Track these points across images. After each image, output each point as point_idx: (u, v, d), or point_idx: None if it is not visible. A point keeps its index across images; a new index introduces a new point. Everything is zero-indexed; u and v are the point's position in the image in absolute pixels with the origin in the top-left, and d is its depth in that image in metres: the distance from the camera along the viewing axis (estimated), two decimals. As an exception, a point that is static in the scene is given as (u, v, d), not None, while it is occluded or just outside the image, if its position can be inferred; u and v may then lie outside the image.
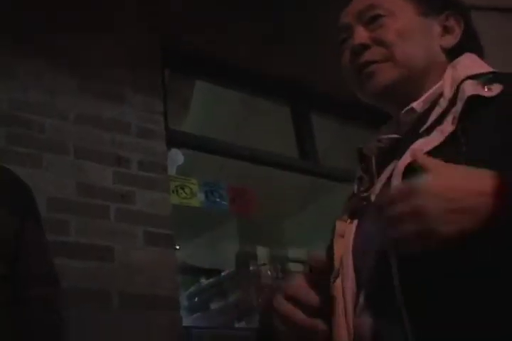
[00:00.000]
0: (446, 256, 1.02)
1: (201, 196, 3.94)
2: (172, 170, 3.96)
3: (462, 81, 1.23)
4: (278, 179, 5.10)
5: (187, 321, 3.89)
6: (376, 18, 1.39)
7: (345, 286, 1.23)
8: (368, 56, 1.37)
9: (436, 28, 1.40)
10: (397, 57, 1.35)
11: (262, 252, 4.80)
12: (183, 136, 4.19)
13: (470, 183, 0.96)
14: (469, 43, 1.41)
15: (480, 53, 1.41)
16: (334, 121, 5.37)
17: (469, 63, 1.32)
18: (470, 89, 1.20)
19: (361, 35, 1.39)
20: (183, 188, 3.84)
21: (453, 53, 1.37)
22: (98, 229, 3.19)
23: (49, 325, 2.10)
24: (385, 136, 1.37)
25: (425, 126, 1.23)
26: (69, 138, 3.35)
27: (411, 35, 1.37)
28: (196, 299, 4.62)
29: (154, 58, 4.00)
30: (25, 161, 3.13)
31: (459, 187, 0.95)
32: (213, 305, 4.50)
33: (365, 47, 1.37)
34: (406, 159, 1.16)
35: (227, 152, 4.33)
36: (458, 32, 1.40)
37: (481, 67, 1.31)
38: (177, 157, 4.17)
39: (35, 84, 3.39)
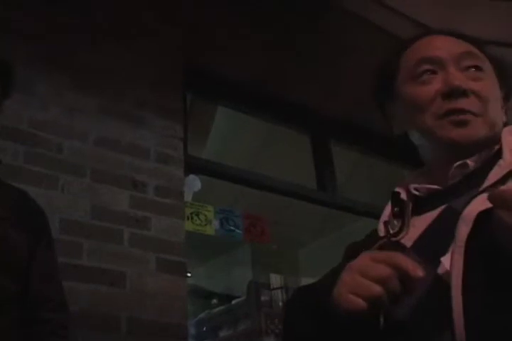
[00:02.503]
0: None
1: (216, 223, 3.91)
2: (188, 196, 3.94)
3: None
4: (294, 208, 5.07)
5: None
6: (475, 68, 1.37)
7: None
8: (467, 104, 1.33)
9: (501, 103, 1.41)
10: (490, 116, 1.33)
11: (275, 279, 4.78)
12: (201, 162, 4.17)
13: None
14: None
15: None
16: (354, 152, 5.36)
17: None
18: None
19: (464, 80, 1.35)
20: (197, 215, 3.82)
21: None
22: (110, 254, 3.16)
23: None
24: (425, 186, 1.35)
25: (486, 184, 1.21)
26: (86, 160, 3.33)
27: (497, 100, 1.37)
28: (205, 327, 4.59)
29: (177, 81, 3.99)
30: (41, 181, 3.11)
31: None
32: (222, 333, 4.47)
33: (465, 93, 1.33)
34: (478, 206, 1.13)
35: (245, 180, 4.31)
36: (506, 111, 1.41)
37: None
38: (194, 183, 4.15)
39: (55, 103, 3.38)
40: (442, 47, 1.40)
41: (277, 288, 4.55)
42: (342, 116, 4.72)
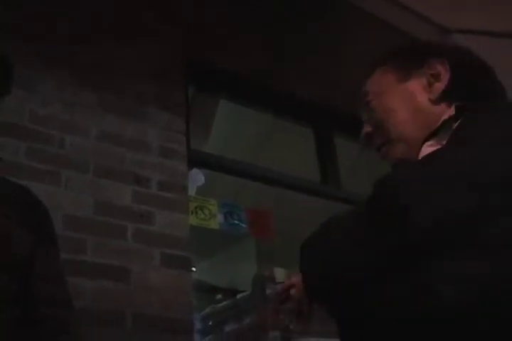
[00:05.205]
0: None
1: (220, 217, 3.89)
2: (192, 190, 3.92)
3: None
4: (299, 201, 5.06)
5: (200, 344, 3.84)
6: (367, 104, 1.47)
7: None
8: (374, 143, 1.46)
9: (422, 83, 1.40)
10: (393, 136, 1.40)
11: (280, 273, 4.76)
12: (204, 156, 4.16)
13: None
14: (469, 79, 1.39)
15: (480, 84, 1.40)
16: (357, 144, 5.33)
17: None
18: None
19: (365, 125, 1.48)
20: (202, 209, 3.80)
21: (450, 94, 1.36)
22: (115, 249, 3.14)
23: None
24: None
25: None
26: (89, 156, 3.31)
27: (395, 110, 1.41)
28: (210, 322, 4.57)
29: (179, 75, 3.97)
30: (43, 177, 3.10)
31: None
32: (227, 328, 4.44)
33: (369, 135, 1.46)
34: None
35: (248, 173, 4.29)
36: (444, 75, 1.38)
37: None
38: (198, 177, 4.13)
39: (57, 98, 3.37)
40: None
41: (282, 282, 4.53)
42: (345, 108, 4.69)
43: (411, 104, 1.39)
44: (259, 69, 4.38)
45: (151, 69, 3.81)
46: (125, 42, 3.76)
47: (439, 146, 1.24)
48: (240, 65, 4.32)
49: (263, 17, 4.19)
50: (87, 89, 3.50)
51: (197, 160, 3.94)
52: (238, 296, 4.66)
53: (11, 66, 2.21)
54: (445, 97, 1.36)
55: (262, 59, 4.36)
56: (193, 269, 3.60)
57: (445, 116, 1.30)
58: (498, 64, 1.55)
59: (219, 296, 5.64)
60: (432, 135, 1.30)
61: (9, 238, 2.00)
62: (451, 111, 1.30)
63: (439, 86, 1.37)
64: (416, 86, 1.40)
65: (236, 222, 3.96)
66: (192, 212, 3.70)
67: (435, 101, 1.36)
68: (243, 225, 3.98)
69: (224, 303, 4.73)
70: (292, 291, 1.49)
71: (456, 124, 1.25)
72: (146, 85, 3.74)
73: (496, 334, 0.93)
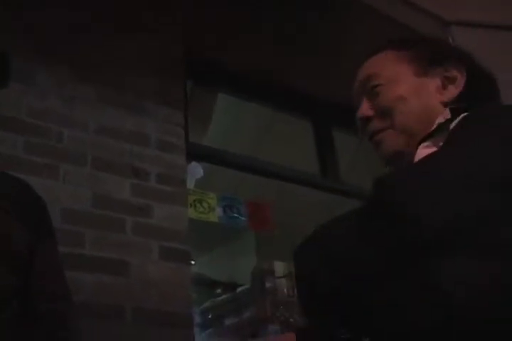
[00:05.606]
0: None
1: (219, 211, 3.88)
2: (191, 184, 3.92)
3: None
4: (298, 194, 5.06)
5: (199, 337, 3.84)
6: (375, 87, 1.43)
7: None
8: (371, 127, 1.43)
9: (436, 83, 1.39)
10: (397, 125, 1.38)
11: (279, 267, 4.76)
12: (203, 149, 4.15)
13: None
14: (477, 86, 1.39)
15: (491, 92, 1.42)
16: (356, 137, 5.33)
17: None
18: None
19: (364, 107, 1.45)
20: (200, 202, 3.79)
21: (463, 99, 1.35)
22: (113, 243, 3.13)
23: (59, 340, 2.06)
24: None
25: None
26: (87, 149, 3.30)
27: (407, 100, 1.39)
28: (210, 315, 4.58)
29: (177, 69, 3.96)
30: (41, 171, 3.08)
31: None
32: (227, 321, 4.46)
33: (368, 118, 1.43)
34: None
35: (247, 167, 4.29)
36: (460, 80, 1.38)
37: None
38: (196, 170, 4.13)
39: (55, 93, 3.36)
40: (357, 79, 1.51)
41: (282, 277, 4.54)
42: (344, 101, 4.69)
43: (424, 99, 1.37)
44: (259, 69, 4.38)
45: (151, 64, 3.80)
46: (125, 37, 3.74)
47: (434, 148, 1.23)
48: (240, 65, 4.33)
49: (263, 17, 4.18)
50: (86, 83, 3.48)
51: (196, 153, 3.94)
52: (238, 290, 4.67)
53: (8, 59, 2.19)
54: (458, 102, 1.35)
55: (262, 58, 4.36)
56: (192, 262, 3.59)
57: (440, 119, 1.30)
58: (497, 57, 1.55)
59: (218, 290, 5.65)
60: (428, 136, 1.29)
61: (10, 237, 1.99)
62: (447, 114, 1.30)
63: (454, 90, 1.37)
64: (432, 85, 1.39)
65: (235, 215, 3.96)
66: (191, 205, 3.70)
67: (447, 105, 1.35)
68: (242, 218, 3.98)
69: (223, 297, 4.75)
70: None
71: (452, 125, 1.24)
72: (145, 80, 3.73)
73: (508, 336, 0.93)
